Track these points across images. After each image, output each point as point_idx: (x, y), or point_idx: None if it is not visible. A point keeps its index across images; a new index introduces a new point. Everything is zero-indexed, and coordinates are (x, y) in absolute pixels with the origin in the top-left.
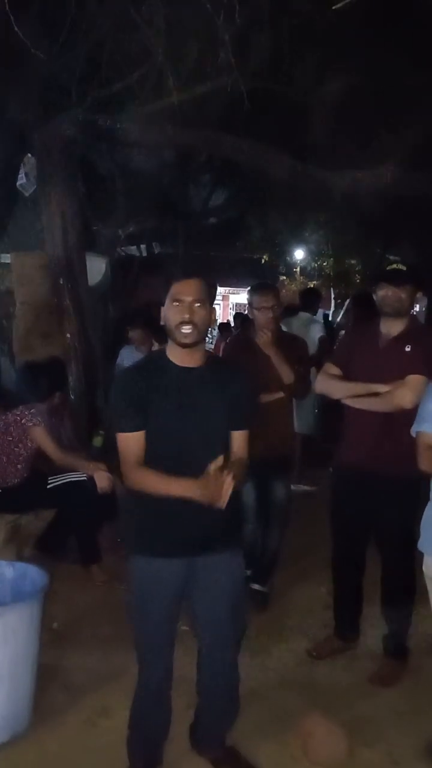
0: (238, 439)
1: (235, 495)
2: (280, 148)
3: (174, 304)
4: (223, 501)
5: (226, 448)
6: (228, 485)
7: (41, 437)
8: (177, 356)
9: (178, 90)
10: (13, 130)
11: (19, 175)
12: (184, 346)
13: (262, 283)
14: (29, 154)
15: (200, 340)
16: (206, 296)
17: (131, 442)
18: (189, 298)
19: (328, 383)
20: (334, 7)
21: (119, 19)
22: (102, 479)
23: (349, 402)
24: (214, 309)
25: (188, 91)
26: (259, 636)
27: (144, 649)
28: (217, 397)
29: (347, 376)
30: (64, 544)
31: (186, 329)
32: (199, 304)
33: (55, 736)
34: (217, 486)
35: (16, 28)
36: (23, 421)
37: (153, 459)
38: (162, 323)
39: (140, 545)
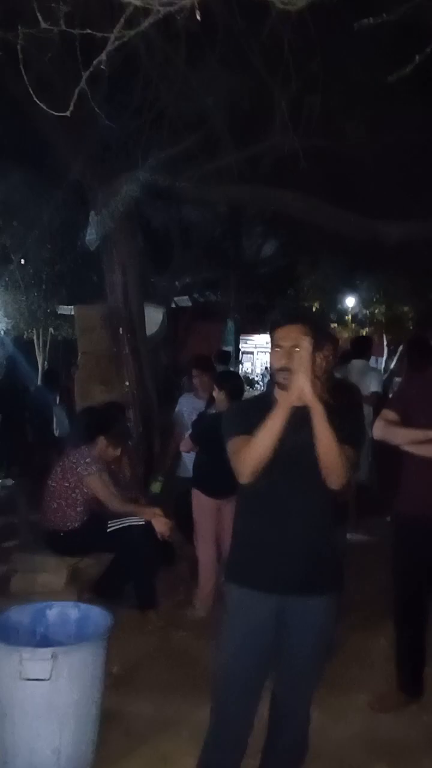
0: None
1: (333, 538)
2: (333, 202)
3: (275, 349)
4: None
5: (319, 486)
6: None
7: (95, 485)
8: (281, 395)
9: (233, 149)
10: (78, 190)
11: (88, 231)
12: (282, 387)
13: (324, 330)
14: (93, 212)
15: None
16: (311, 337)
17: (239, 443)
18: (288, 344)
19: (387, 429)
20: (389, 79)
21: (179, 85)
22: (160, 524)
23: (409, 449)
24: (329, 353)
25: (243, 150)
26: (319, 688)
27: (226, 692)
28: (312, 435)
29: (406, 423)
30: (121, 589)
31: (282, 374)
32: (298, 348)
33: None
34: None
35: (92, 102)
36: (78, 469)
37: (248, 489)
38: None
39: (234, 573)
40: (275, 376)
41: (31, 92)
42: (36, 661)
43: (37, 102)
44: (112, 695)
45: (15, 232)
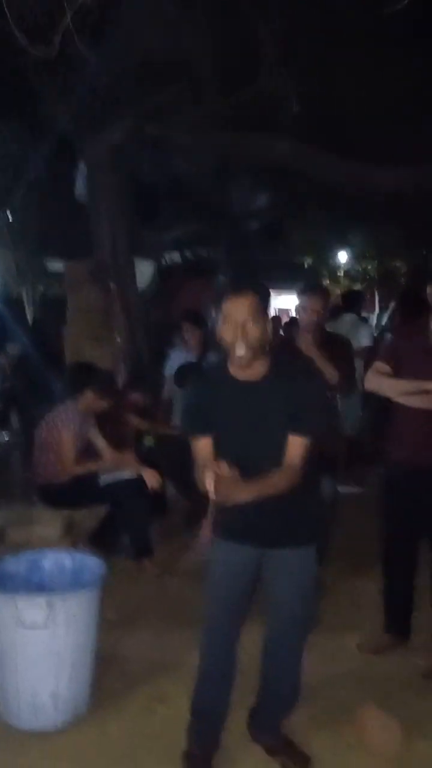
0: (292, 443)
1: (311, 492)
2: (323, 150)
3: (227, 322)
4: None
5: (283, 451)
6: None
7: (64, 441)
8: (236, 370)
9: (221, 96)
10: (66, 140)
11: (77, 183)
12: (239, 362)
13: (312, 285)
14: (81, 163)
15: (256, 356)
16: (259, 312)
17: (200, 446)
18: (240, 318)
19: (378, 381)
20: (384, 11)
21: (165, 30)
22: (150, 478)
23: (400, 400)
24: (270, 321)
25: (232, 96)
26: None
27: (210, 633)
28: (277, 411)
29: (397, 375)
30: (117, 540)
31: (240, 351)
32: (251, 323)
33: (115, 720)
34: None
35: (78, 45)
36: (58, 422)
37: (221, 456)
38: (219, 340)
39: (216, 528)
40: (231, 351)
41: (17, 34)
42: (32, 609)
43: (23, 44)
44: (109, 640)
45: (1, 186)
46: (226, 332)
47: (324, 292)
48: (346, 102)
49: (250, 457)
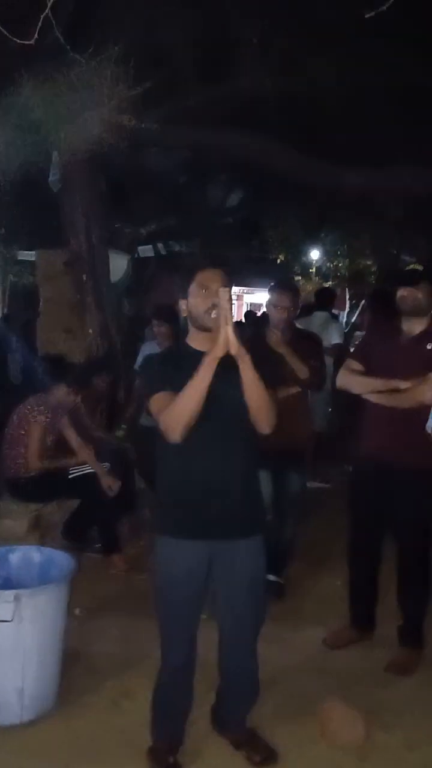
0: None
1: (255, 484)
2: (296, 147)
3: (201, 291)
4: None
5: (246, 431)
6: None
7: (32, 434)
8: (199, 343)
9: (199, 90)
10: (38, 130)
11: (51, 172)
12: (210, 330)
13: (283, 282)
14: (55, 152)
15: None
16: (229, 286)
17: (162, 400)
18: (216, 285)
19: (350, 378)
20: (366, 16)
21: (145, 21)
22: (106, 480)
23: (369, 397)
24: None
25: (209, 91)
26: (274, 625)
27: (167, 631)
28: (237, 380)
29: (369, 373)
30: (86, 533)
31: (213, 312)
32: (223, 290)
33: (81, 715)
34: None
35: (57, 32)
36: (30, 416)
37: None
38: (185, 314)
39: (164, 526)
40: (201, 319)
41: None
42: None
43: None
44: (76, 636)
45: None
46: (199, 301)
47: (294, 290)
48: (323, 101)
49: (210, 424)
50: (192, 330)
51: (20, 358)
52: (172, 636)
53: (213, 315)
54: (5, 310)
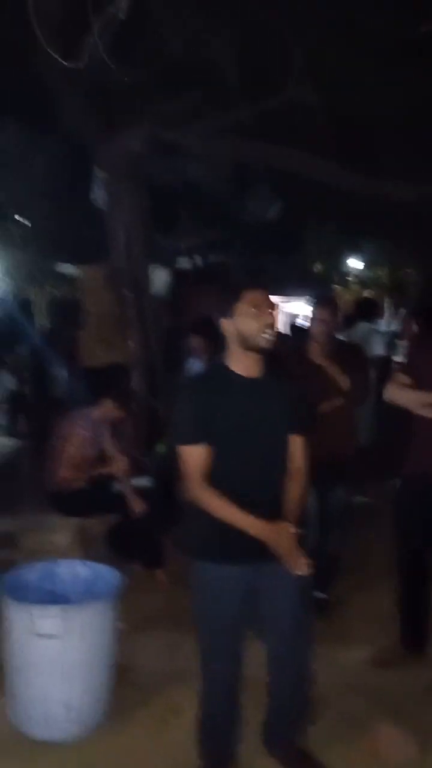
0: (296, 444)
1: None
2: (343, 161)
3: (253, 311)
4: (299, 565)
5: (286, 452)
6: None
7: (69, 445)
8: (241, 366)
9: (244, 104)
10: (79, 144)
11: (93, 188)
12: (261, 351)
13: (322, 295)
14: (97, 168)
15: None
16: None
17: (194, 456)
18: (267, 305)
19: (400, 393)
20: (424, 30)
21: (188, 35)
22: (135, 504)
23: (421, 412)
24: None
25: (254, 105)
26: (322, 643)
27: (209, 654)
28: (278, 407)
29: (418, 387)
30: (128, 545)
31: (268, 334)
32: (274, 312)
33: (128, 731)
34: (287, 540)
35: (102, 52)
36: (71, 429)
37: (218, 469)
38: (229, 334)
39: (204, 551)
40: (253, 340)
41: (42, 41)
42: (47, 619)
43: (49, 51)
44: (122, 651)
45: (13, 187)
46: (251, 321)
47: (333, 303)
48: (369, 116)
49: (254, 451)
50: (235, 351)
51: (62, 371)
52: (214, 657)
53: (266, 335)
54: (45, 323)
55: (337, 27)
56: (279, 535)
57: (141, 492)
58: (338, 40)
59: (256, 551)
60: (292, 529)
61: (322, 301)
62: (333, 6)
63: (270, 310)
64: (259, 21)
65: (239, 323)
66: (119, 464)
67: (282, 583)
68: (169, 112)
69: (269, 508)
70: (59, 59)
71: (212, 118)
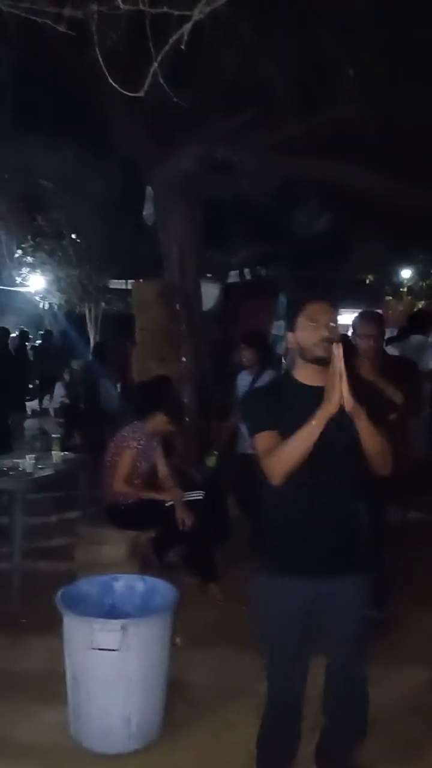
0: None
1: (362, 522)
2: (394, 173)
3: (311, 324)
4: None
5: (355, 471)
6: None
7: (122, 458)
8: (307, 376)
9: (295, 121)
10: (131, 163)
11: (145, 206)
12: (321, 361)
13: (367, 311)
14: (149, 186)
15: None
16: (335, 318)
17: (264, 440)
18: (325, 318)
19: None
20: None
21: (242, 56)
22: (183, 514)
23: None
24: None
25: (306, 121)
26: (376, 663)
27: (273, 669)
28: (346, 421)
29: None
30: (168, 554)
31: (325, 347)
32: (333, 325)
33: (184, 747)
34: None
35: (161, 80)
36: (123, 442)
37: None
38: (291, 347)
39: (268, 564)
40: (311, 351)
41: (106, 73)
42: (107, 632)
43: (112, 83)
44: (177, 665)
45: (68, 206)
46: (308, 333)
47: (379, 318)
48: (421, 129)
49: (319, 458)
50: (300, 363)
51: (111, 384)
52: (279, 673)
53: (322, 352)
54: (97, 338)
55: (387, 42)
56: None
57: (191, 505)
58: (388, 55)
59: (317, 566)
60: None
61: (366, 316)
62: (382, 22)
63: (329, 323)
64: (310, 39)
65: (298, 336)
66: (174, 494)
67: (342, 599)
68: (223, 131)
69: (332, 507)
70: (121, 90)
71: (264, 135)
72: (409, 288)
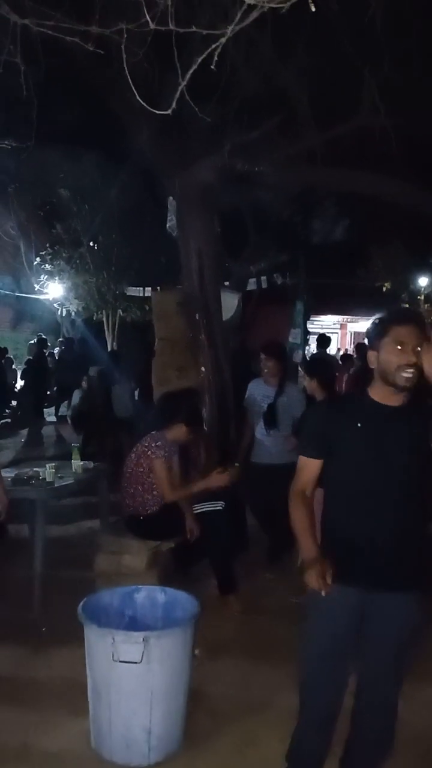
0: None
1: (418, 539)
2: (415, 181)
3: (396, 347)
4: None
5: (412, 486)
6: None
7: (158, 470)
8: (382, 395)
9: (315, 132)
10: (148, 174)
11: (168, 217)
12: (402, 390)
13: (407, 312)
14: (171, 197)
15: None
16: (425, 340)
17: (304, 467)
18: (413, 343)
19: None
20: None
21: (264, 67)
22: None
23: None
24: None
25: (326, 132)
26: (406, 679)
27: (311, 680)
28: (409, 433)
29: None
30: (193, 563)
31: (408, 373)
32: (420, 349)
33: (205, 760)
34: (315, 578)
35: (187, 96)
36: (149, 452)
37: (338, 486)
38: (372, 365)
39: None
40: (392, 376)
41: (133, 90)
42: (129, 644)
43: (140, 101)
44: (197, 677)
45: (87, 216)
46: (392, 357)
47: (423, 324)
48: None
49: (374, 474)
50: (378, 381)
51: (133, 394)
52: (317, 684)
53: (406, 374)
54: (115, 345)
55: (406, 52)
56: (313, 568)
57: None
58: (408, 65)
59: (367, 577)
60: (329, 579)
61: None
62: (401, 31)
63: (416, 348)
64: (329, 51)
65: (381, 358)
66: (214, 479)
67: (386, 615)
68: (242, 143)
69: (390, 522)
70: (149, 108)
71: (284, 146)
72: (426, 296)
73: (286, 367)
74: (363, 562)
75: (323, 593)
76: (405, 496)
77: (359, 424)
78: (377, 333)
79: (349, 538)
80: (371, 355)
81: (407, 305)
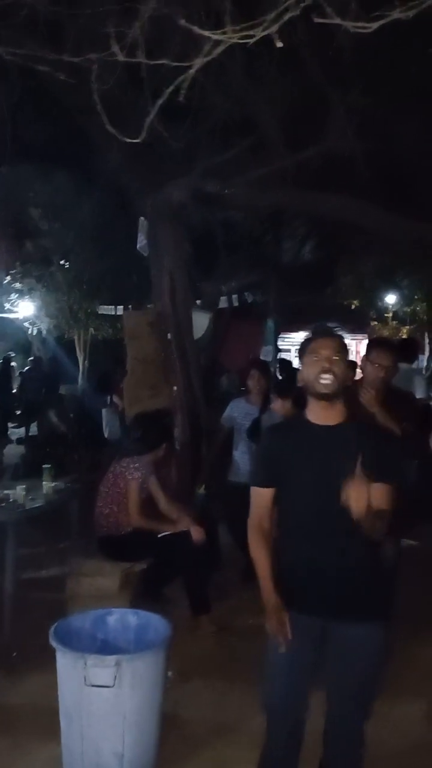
0: (377, 490)
1: (377, 569)
2: (382, 204)
3: (313, 358)
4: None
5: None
6: None
7: (132, 492)
8: (316, 414)
9: (284, 155)
10: (120, 193)
11: (139, 237)
12: (323, 397)
13: (383, 339)
14: (142, 217)
15: (339, 392)
16: (343, 352)
17: (256, 496)
18: (326, 351)
19: None
20: None
21: (234, 92)
22: (197, 533)
23: None
24: (352, 365)
25: (295, 155)
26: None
27: (272, 705)
28: (352, 454)
29: None
30: (161, 590)
31: (325, 378)
32: (336, 357)
33: None
34: (277, 624)
35: (159, 128)
36: (126, 474)
37: (285, 514)
38: (301, 384)
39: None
40: (312, 385)
41: (104, 118)
42: (101, 668)
43: (110, 129)
44: (169, 699)
45: (58, 234)
46: (311, 367)
47: (394, 348)
48: (410, 161)
49: (323, 497)
50: (310, 400)
51: (107, 414)
52: (277, 709)
53: (323, 380)
54: (86, 363)
55: (375, 77)
56: (272, 617)
57: (183, 537)
58: (376, 90)
59: (328, 606)
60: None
61: (383, 345)
62: (370, 58)
63: (328, 355)
64: (299, 77)
65: (304, 372)
66: (186, 522)
67: (354, 647)
68: (213, 165)
69: (339, 551)
70: (120, 137)
71: (254, 169)
72: (394, 313)
73: (269, 385)
74: (315, 592)
75: (281, 649)
76: (352, 521)
77: (300, 449)
78: (300, 352)
79: (298, 567)
80: (299, 374)
81: (375, 323)
